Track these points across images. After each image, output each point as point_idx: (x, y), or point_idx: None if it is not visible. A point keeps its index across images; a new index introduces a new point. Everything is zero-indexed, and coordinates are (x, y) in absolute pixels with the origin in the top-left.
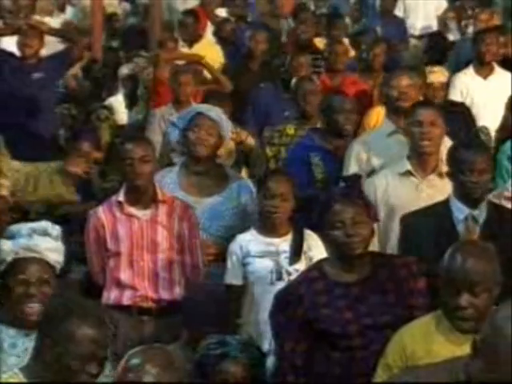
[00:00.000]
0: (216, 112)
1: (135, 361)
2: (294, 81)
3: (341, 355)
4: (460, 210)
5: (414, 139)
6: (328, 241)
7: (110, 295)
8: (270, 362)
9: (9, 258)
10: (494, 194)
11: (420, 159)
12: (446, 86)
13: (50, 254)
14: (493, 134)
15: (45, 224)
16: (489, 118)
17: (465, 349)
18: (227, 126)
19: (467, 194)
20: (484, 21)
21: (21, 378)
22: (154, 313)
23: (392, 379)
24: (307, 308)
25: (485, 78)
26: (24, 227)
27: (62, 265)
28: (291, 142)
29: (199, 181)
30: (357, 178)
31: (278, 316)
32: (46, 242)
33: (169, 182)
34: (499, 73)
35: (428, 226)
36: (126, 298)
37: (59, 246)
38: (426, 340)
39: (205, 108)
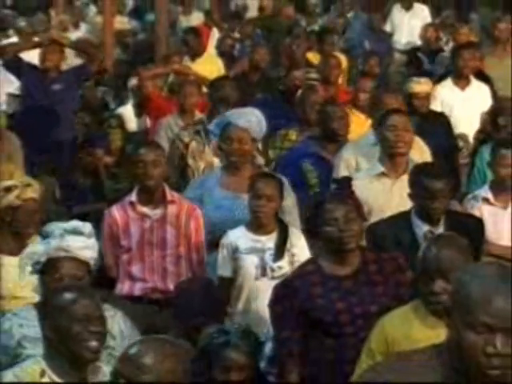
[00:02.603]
0: (246, 118)
1: (134, 350)
2: (300, 91)
3: (334, 342)
4: (419, 227)
5: (388, 142)
6: (323, 237)
7: (123, 287)
8: (268, 348)
9: (42, 259)
10: (472, 195)
11: (392, 161)
12: (428, 96)
13: (81, 251)
14: (470, 140)
15: (75, 223)
16: (466, 126)
17: (440, 332)
18: (258, 127)
19: (428, 217)
20: (464, 36)
21: (43, 365)
22: (162, 303)
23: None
24: (303, 299)
25: (462, 89)
26: (56, 228)
27: (95, 260)
28: (293, 146)
29: (237, 179)
30: (347, 180)
31: (276, 307)
32: (77, 241)
33: (211, 181)
34: (475, 85)
35: (390, 237)
36: (137, 290)
37: (92, 242)
38: (405, 326)
39: (234, 116)
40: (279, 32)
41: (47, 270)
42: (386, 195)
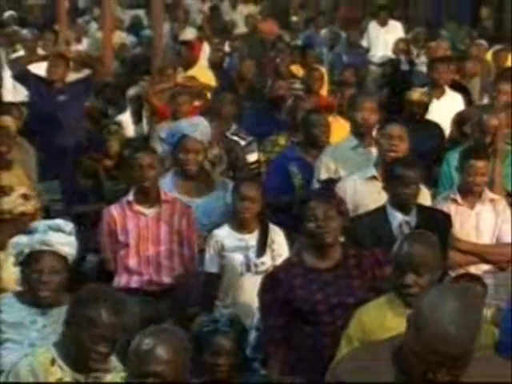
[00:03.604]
0: (198, 128)
1: (146, 344)
2: (289, 100)
3: (312, 329)
4: (394, 217)
5: (382, 150)
6: (304, 232)
7: (121, 280)
8: (252, 336)
9: (26, 250)
10: (442, 196)
11: (385, 167)
12: (426, 105)
13: (62, 247)
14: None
15: (59, 221)
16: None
17: None
18: (206, 135)
19: (401, 204)
20: (434, 51)
21: (53, 352)
22: (157, 295)
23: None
24: (286, 290)
25: (438, 98)
26: (42, 224)
27: (73, 256)
28: (282, 150)
29: (190, 185)
30: (330, 181)
31: (263, 296)
32: (58, 237)
33: (165, 185)
34: (450, 94)
35: (368, 231)
36: (134, 282)
37: (72, 240)
38: (380, 316)
39: (189, 128)
40: (260, 47)
41: (29, 261)
42: (374, 197)
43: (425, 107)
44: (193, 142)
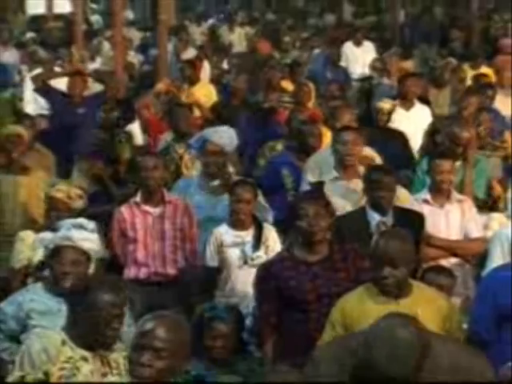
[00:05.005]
0: (220, 135)
1: (149, 324)
2: (287, 112)
3: (301, 315)
4: (373, 217)
5: (339, 155)
6: (295, 229)
7: (130, 272)
8: (248, 322)
9: (51, 246)
10: (414, 198)
11: (344, 169)
12: (389, 112)
13: (82, 242)
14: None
15: (82, 220)
16: (411, 141)
17: (387, 308)
18: (230, 142)
19: (378, 206)
20: (405, 68)
21: (63, 335)
22: (162, 285)
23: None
24: (279, 280)
25: (407, 110)
26: (66, 222)
27: (97, 251)
28: (278, 155)
29: (214, 184)
30: (320, 183)
31: (258, 286)
32: (80, 234)
33: (192, 186)
34: (418, 107)
35: (348, 229)
36: (142, 274)
37: (93, 236)
38: (360, 303)
39: (212, 134)
40: (255, 64)
41: (53, 254)
42: (345, 196)
43: (387, 114)
44: (213, 145)
